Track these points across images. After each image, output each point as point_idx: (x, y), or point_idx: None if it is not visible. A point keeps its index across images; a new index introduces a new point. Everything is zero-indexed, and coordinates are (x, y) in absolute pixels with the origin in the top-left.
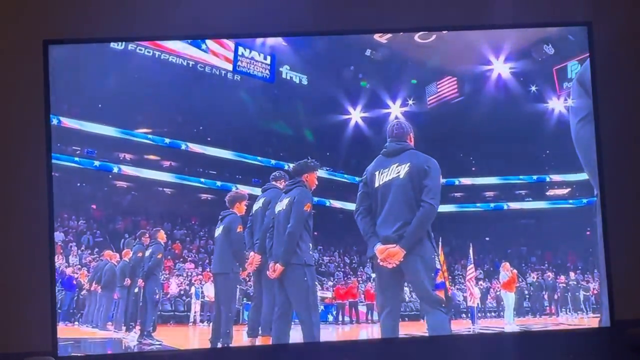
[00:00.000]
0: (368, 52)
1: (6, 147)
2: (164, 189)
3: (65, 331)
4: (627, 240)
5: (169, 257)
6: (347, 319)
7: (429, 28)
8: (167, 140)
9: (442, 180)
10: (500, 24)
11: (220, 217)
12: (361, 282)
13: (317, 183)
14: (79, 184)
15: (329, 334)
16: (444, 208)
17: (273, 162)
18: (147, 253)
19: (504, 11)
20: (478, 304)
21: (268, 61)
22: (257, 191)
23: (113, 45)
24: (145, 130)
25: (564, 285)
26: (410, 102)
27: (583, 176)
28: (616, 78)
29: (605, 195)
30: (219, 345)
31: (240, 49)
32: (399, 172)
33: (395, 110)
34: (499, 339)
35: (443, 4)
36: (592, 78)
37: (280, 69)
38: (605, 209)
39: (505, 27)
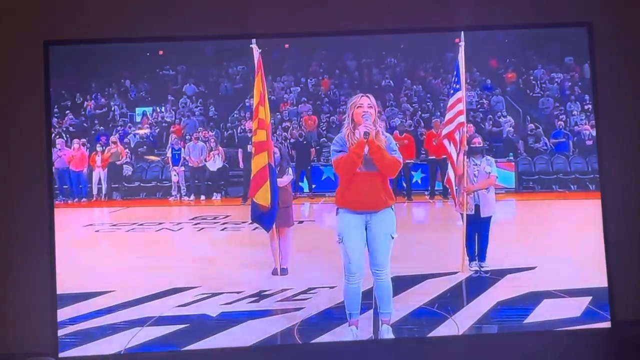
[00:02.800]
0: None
1: (6, 146)
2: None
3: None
4: (627, 240)
5: None
6: None
7: (429, 29)
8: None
9: None
10: (501, 24)
11: None
12: None
13: None
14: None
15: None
16: None
17: None
18: None
19: (504, 12)
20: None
21: None
22: None
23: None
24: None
25: None
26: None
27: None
28: (616, 78)
29: (606, 195)
30: None
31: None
32: None
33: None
34: (499, 339)
35: (443, 5)
36: (592, 78)
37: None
38: (605, 209)
39: (505, 27)
